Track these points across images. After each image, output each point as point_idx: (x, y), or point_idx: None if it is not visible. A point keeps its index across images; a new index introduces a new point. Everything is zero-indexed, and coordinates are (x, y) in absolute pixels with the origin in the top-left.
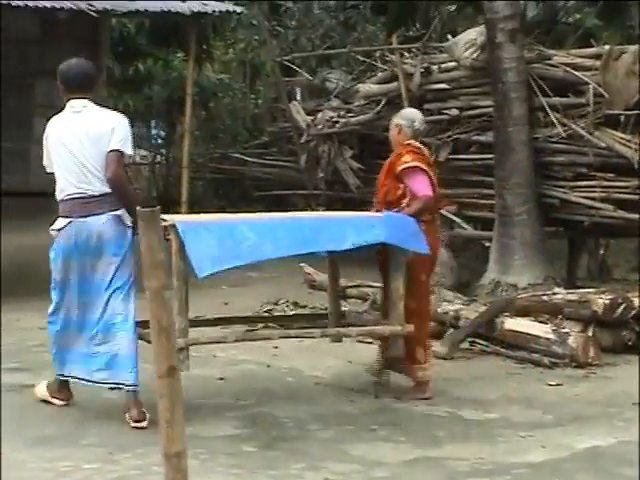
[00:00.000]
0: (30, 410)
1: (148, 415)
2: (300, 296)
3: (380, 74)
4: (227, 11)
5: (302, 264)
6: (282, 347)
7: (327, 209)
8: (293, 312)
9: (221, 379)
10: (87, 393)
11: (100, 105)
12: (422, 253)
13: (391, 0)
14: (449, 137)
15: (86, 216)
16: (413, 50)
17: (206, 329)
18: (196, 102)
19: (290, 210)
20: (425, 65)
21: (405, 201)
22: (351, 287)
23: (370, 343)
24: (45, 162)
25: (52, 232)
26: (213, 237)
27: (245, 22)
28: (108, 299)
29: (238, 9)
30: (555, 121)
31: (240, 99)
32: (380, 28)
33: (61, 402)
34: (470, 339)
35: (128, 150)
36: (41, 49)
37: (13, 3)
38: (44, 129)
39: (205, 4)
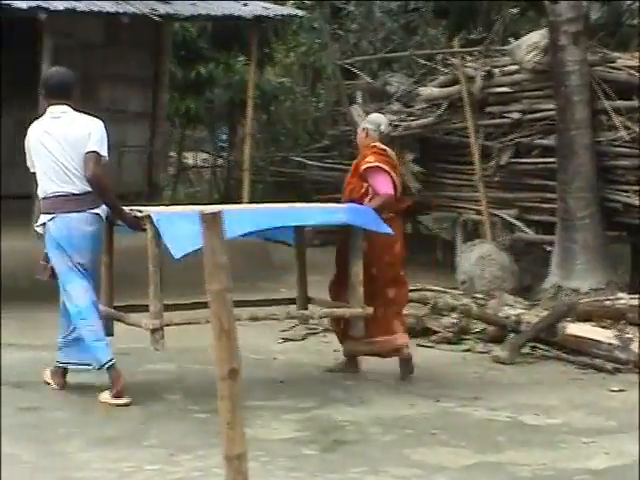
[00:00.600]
0: (93, 410)
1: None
2: None
3: (441, 77)
4: (289, 14)
5: None
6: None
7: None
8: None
9: (281, 382)
10: (148, 394)
11: (79, 111)
12: (384, 234)
13: (453, 1)
14: (511, 140)
15: (68, 212)
16: (475, 53)
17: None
18: (257, 105)
19: None
20: (487, 68)
21: (367, 199)
22: (412, 291)
23: (432, 347)
24: (28, 163)
25: (38, 229)
26: (185, 224)
27: (306, 25)
28: (86, 290)
29: (299, 12)
30: (618, 124)
31: (301, 102)
32: (442, 31)
33: (123, 401)
34: (531, 344)
35: (103, 152)
36: (105, 53)
37: (78, 8)
38: (108, 133)
39: (267, 8)
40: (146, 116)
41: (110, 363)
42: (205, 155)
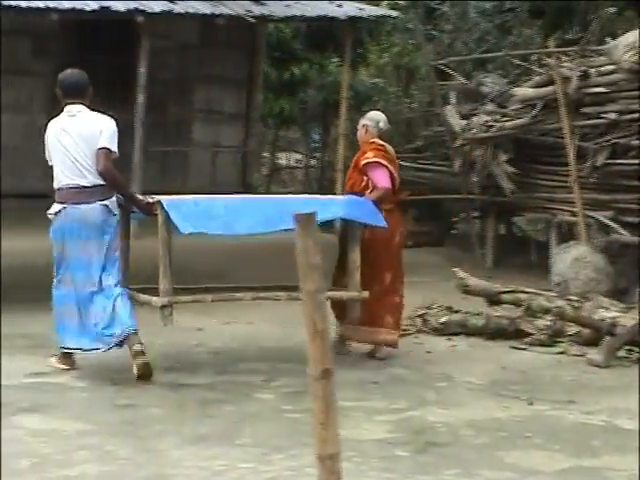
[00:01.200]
0: (187, 409)
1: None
2: (453, 301)
3: (536, 78)
4: (383, 15)
5: (455, 268)
6: (435, 352)
7: (481, 214)
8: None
9: (374, 382)
10: (240, 393)
11: (94, 110)
12: (380, 226)
13: (549, 1)
14: (607, 141)
15: (78, 203)
16: (571, 53)
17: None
18: (351, 106)
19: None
20: (583, 68)
21: (367, 192)
22: (505, 292)
23: (525, 349)
24: (47, 156)
25: (49, 216)
26: (191, 210)
27: (400, 26)
28: (100, 277)
29: (394, 13)
30: None
31: (394, 103)
32: (537, 31)
33: (66, 367)
34: (627, 347)
35: (114, 147)
36: (200, 55)
37: (175, 10)
38: (202, 134)
39: (361, 9)
40: (240, 117)
41: (64, 350)
42: (298, 156)
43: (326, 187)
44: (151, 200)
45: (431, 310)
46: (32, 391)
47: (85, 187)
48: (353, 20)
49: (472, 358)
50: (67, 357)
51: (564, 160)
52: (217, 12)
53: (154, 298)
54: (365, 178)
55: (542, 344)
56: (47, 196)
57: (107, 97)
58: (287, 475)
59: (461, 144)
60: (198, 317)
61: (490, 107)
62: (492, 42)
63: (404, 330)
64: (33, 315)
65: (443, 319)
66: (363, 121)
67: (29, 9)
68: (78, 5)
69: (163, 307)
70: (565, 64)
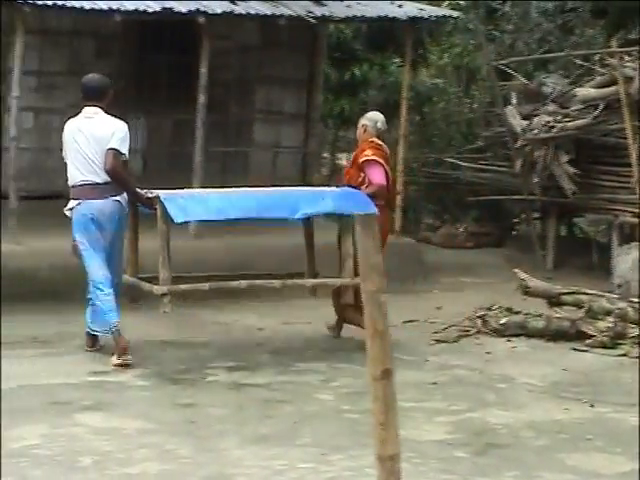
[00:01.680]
0: (247, 408)
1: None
2: (513, 302)
3: (599, 78)
4: (443, 16)
5: (516, 270)
6: (495, 353)
7: (542, 215)
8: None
9: (434, 383)
10: (300, 393)
11: (109, 114)
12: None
13: (612, 0)
14: None
15: (92, 199)
16: (634, 53)
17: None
18: (411, 106)
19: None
20: None
21: (363, 187)
22: (566, 294)
23: (586, 351)
24: (63, 154)
25: (67, 212)
26: (187, 202)
27: (461, 26)
28: (109, 264)
29: (455, 14)
30: None
31: (455, 103)
32: (599, 31)
33: (125, 362)
34: None
35: (124, 150)
36: (260, 56)
37: (236, 11)
38: (263, 134)
39: (422, 9)
40: (300, 117)
41: (116, 328)
42: None
43: None
44: (150, 195)
45: (491, 311)
46: (94, 389)
47: (98, 184)
48: (414, 21)
49: (532, 359)
50: (123, 350)
51: (626, 161)
52: (278, 13)
53: (155, 287)
54: (362, 174)
55: (603, 346)
56: None
57: (168, 97)
58: (347, 475)
59: (522, 145)
60: (259, 317)
61: (551, 107)
62: (554, 42)
63: (465, 331)
64: None
65: (503, 320)
66: (362, 121)
67: (93, 10)
68: (141, 6)
69: (162, 295)
70: (628, 64)
